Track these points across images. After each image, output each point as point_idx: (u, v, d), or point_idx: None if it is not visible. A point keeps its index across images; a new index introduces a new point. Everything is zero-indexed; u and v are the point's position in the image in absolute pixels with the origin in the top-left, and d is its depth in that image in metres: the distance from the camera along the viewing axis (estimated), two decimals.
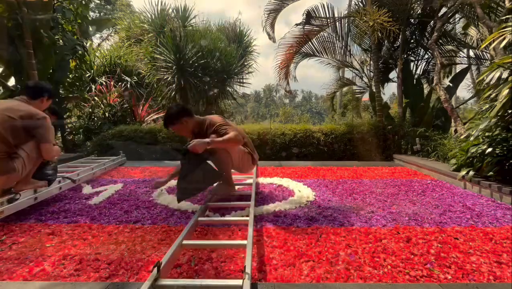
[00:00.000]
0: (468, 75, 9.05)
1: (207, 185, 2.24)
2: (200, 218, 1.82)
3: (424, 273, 1.32)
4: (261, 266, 1.37)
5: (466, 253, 1.51)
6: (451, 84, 5.73)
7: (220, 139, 2.06)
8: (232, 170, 2.43)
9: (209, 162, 2.19)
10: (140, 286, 1.06)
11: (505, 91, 2.47)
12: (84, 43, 5.85)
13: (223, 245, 1.52)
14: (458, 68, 7.06)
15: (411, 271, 1.34)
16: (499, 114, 2.57)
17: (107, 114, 6.03)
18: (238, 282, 1.09)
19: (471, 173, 2.80)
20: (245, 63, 9.43)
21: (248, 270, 1.13)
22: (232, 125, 2.28)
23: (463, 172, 2.86)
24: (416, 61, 6.15)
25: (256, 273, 1.32)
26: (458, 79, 5.88)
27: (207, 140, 2.00)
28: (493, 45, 3.12)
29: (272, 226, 1.87)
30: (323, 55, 6.53)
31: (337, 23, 6.00)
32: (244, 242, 1.39)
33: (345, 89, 9.29)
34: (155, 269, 1.11)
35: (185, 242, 1.43)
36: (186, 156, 2.02)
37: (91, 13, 14.58)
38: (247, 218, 1.77)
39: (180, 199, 2.12)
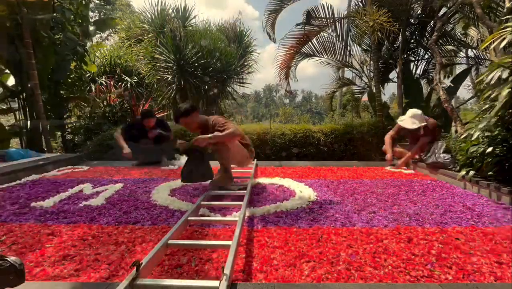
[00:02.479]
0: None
1: (203, 178, 2.59)
2: (190, 218, 1.79)
3: (424, 274, 1.32)
4: (262, 267, 1.37)
5: (467, 253, 1.51)
6: (451, 85, 5.73)
7: (221, 134, 2.38)
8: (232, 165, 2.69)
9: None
10: (121, 286, 1.03)
11: (505, 91, 2.47)
12: (84, 44, 5.86)
13: (208, 245, 1.52)
14: (458, 68, 7.07)
15: (411, 271, 1.34)
16: (499, 114, 2.57)
17: (107, 114, 6.03)
18: (215, 283, 1.09)
19: (471, 173, 2.79)
20: (245, 63, 9.43)
21: (227, 271, 1.13)
22: (232, 122, 2.62)
23: (463, 172, 2.86)
24: (416, 61, 6.16)
25: (257, 273, 1.32)
26: (459, 80, 5.88)
27: (209, 135, 2.37)
28: (493, 45, 3.12)
29: (273, 226, 1.87)
30: (323, 55, 6.54)
31: (337, 23, 6.01)
32: (229, 242, 1.38)
33: (344, 89, 9.29)
34: (134, 268, 1.10)
35: (170, 241, 1.43)
36: (190, 149, 2.45)
37: (91, 13, 14.56)
38: (237, 218, 1.73)
39: (183, 181, 2.62)
